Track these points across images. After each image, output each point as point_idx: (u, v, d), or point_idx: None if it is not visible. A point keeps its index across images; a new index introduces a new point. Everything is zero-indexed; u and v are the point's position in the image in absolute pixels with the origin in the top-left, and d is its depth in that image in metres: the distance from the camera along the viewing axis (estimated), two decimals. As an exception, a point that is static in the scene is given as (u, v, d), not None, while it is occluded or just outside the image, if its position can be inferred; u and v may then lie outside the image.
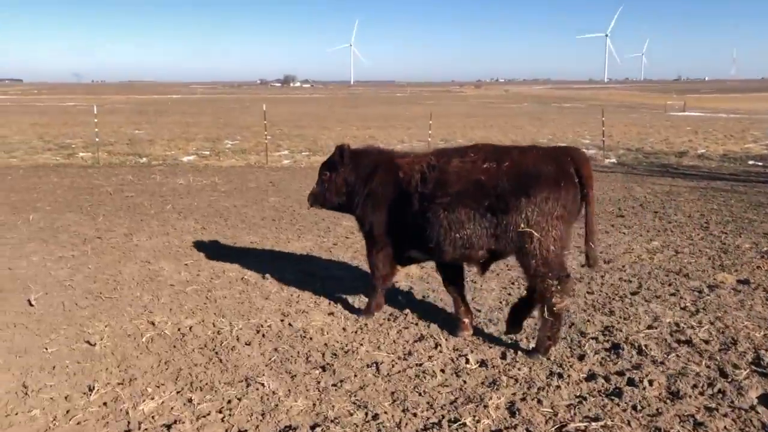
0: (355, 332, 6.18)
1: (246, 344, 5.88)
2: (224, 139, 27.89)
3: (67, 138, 28.63)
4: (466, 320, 6.02)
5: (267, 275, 7.93)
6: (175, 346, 5.88)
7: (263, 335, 6.10)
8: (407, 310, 6.64)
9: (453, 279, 6.16)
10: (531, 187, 5.01)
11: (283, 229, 10.98)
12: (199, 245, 9.67)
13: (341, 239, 10.14)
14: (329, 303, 6.99)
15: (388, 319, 6.49)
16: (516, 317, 5.72)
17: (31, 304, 6.97)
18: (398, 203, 5.83)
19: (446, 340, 5.86)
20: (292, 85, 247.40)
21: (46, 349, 5.79)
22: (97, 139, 21.67)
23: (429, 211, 5.49)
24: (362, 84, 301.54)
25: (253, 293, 7.39)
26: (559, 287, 5.07)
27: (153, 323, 6.43)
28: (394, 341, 5.91)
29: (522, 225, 5.04)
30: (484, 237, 5.29)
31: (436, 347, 5.71)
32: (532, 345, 5.61)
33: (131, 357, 5.64)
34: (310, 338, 6.00)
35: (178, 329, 6.28)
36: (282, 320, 6.49)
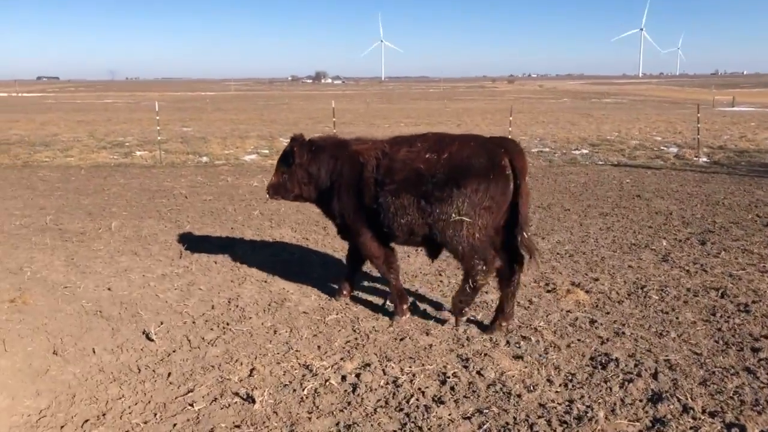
0: (564, 386, 4.93)
1: (437, 402, 4.68)
2: (278, 136, 26.76)
3: (119, 135, 27.79)
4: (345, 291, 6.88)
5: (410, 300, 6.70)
6: (349, 403, 4.71)
7: (452, 388, 4.89)
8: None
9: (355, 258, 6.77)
10: (463, 178, 5.31)
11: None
12: (313, 261, 8.52)
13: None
14: (508, 342, 5.76)
15: (594, 367, 5.23)
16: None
17: (150, 339, 5.86)
18: (361, 189, 5.94)
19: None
20: (323, 81, 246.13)
21: (191, 405, 4.67)
22: (159, 138, 20.64)
23: (381, 197, 5.75)
24: (393, 80, 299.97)
25: (407, 326, 6.19)
26: (484, 267, 5.48)
27: (308, 368, 5.27)
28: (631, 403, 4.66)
29: (453, 214, 5.36)
30: (422, 224, 5.61)
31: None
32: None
33: (302, 419, 4.49)
34: (518, 395, 4.77)
35: (343, 377, 5.11)
36: (465, 366, 5.27)
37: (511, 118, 21.79)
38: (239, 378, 5.10)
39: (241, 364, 5.36)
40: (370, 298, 7.02)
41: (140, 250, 9.02)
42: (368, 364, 5.32)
